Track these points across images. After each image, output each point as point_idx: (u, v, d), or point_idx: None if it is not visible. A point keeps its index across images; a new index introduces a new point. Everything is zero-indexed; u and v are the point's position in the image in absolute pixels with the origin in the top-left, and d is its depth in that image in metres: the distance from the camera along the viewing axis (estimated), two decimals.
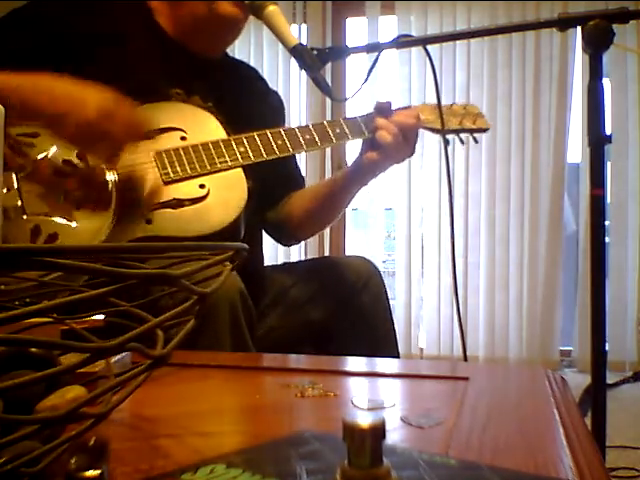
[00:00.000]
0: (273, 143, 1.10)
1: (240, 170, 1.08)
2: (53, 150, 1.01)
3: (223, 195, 1.05)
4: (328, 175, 3.39)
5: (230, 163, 1.06)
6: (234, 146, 1.08)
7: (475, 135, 1.26)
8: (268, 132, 1.11)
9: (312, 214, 1.31)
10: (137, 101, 1.09)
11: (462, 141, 1.25)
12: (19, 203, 0.94)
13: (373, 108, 1.19)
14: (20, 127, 1.00)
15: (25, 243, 0.92)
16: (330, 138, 1.14)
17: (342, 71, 3.48)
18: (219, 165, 1.05)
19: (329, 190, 1.29)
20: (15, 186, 0.95)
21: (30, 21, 1.10)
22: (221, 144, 1.07)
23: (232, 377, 0.72)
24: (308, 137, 1.13)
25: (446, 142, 1.19)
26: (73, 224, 0.96)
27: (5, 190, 0.93)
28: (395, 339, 1.25)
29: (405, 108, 1.23)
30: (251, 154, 1.08)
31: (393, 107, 1.19)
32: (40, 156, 0.99)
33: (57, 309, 0.31)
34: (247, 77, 1.37)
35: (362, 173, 1.20)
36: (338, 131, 1.15)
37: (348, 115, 1.20)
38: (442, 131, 1.20)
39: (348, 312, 1.20)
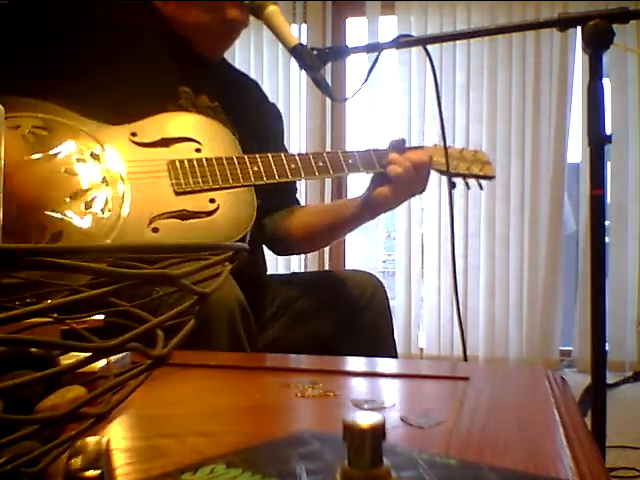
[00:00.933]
0: (286, 166, 1.10)
1: (251, 189, 1.08)
2: (66, 146, 1.00)
3: (232, 212, 1.04)
4: (328, 191, 3.40)
5: (242, 181, 1.06)
6: (248, 165, 1.07)
7: (481, 181, 1.29)
8: (282, 155, 1.11)
9: (313, 236, 1.32)
10: (147, 98, 1.09)
11: (468, 186, 1.27)
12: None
13: (387, 145, 1.20)
14: (35, 119, 0.99)
15: (29, 240, 0.91)
16: (342, 168, 1.15)
17: (342, 71, 3.47)
18: (231, 182, 1.05)
19: (335, 218, 1.29)
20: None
21: (33, 18, 1.10)
22: (235, 161, 1.07)
23: (232, 377, 0.72)
24: (321, 164, 1.13)
25: (452, 185, 1.21)
26: (79, 224, 0.96)
27: None
28: (395, 352, 1.26)
29: (417, 148, 1.24)
30: (264, 175, 1.08)
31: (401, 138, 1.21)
32: (52, 152, 0.99)
33: (57, 309, 0.31)
34: (248, 85, 1.38)
35: (372, 207, 1.20)
36: (351, 162, 1.16)
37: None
38: (447, 173, 1.21)
39: (351, 327, 1.20)
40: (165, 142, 1.06)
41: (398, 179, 1.14)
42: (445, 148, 1.19)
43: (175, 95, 1.14)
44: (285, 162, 1.10)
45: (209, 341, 0.88)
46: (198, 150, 1.08)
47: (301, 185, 3.29)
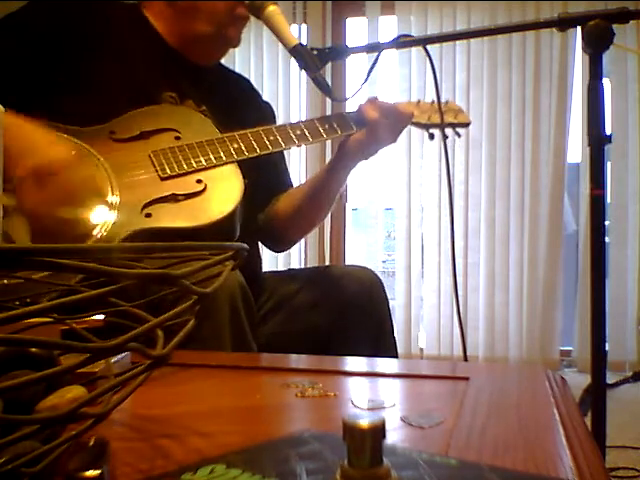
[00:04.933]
0: (265, 139, 1.12)
1: (235, 165, 1.09)
2: None
3: (220, 189, 1.06)
4: None
5: (225, 159, 1.08)
6: (228, 143, 1.10)
7: (457, 130, 1.31)
8: (260, 129, 1.13)
9: (300, 209, 1.30)
10: (130, 102, 1.10)
11: (445, 135, 1.27)
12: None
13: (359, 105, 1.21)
14: None
15: (25, 240, 0.92)
16: (320, 133, 1.16)
17: (342, 71, 3.47)
18: (214, 161, 1.07)
19: (316, 180, 1.29)
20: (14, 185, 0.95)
21: (23, 26, 1.11)
22: (215, 142, 1.09)
23: (232, 377, 0.72)
24: (299, 133, 1.15)
25: (431, 137, 1.25)
26: (73, 220, 0.96)
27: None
28: (395, 348, 1.26)
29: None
30: (245, 150, 1.10)
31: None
32: None
33: (57, 309, 0.31)
34: (240, 87, 1.39)
35: (347, 155, 1.21)
36: (327, 127, 1.17)
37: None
38: (441, 125, 1.23)
39: (350, 322, 1.20)
40: (144, 135, 1.08)
41: (372, 122, 1.15)
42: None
43: (159, 100, 1.16)
44: (264, 136, 1.12)
45: (211, 324, 0.89)
46: (178, 138, 1.09)
47: (300, 160, 3.30)
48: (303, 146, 1.20)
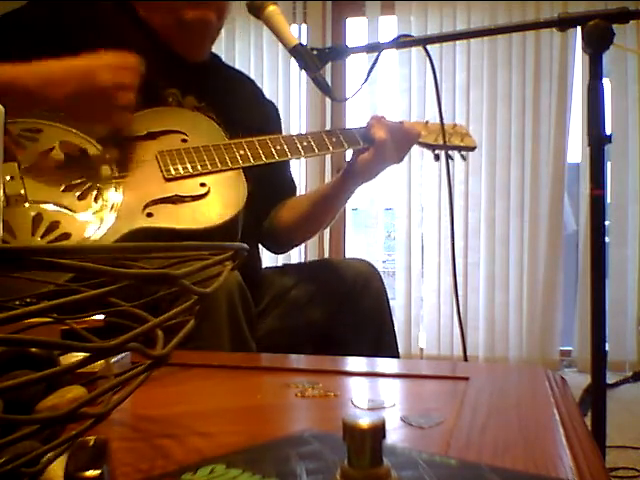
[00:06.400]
0: (272, 148, 1.12)
1: (240, 172, 1.10)
2: (56, 144, 1.02)
3: (223, 193, 1.06)
4: (328, 180, 3.40)
5: (230, 164, 1.08)
6: (234, 149, 1.10)
7: (462, 153, 1.33)
8: (267, 138, 1.14)
9: (303, 218, 1.32)
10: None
11: (451, 157, 1.29)
12: (22, 192, 0.95)
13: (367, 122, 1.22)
14: (24, 123, 1.01)
15: (26, 231, 0.92)
16: (327, 146, 1.17)
17: (342, 71, 3.47)
18: (219, 165, 1.07)
19: (321, 194, 1.30)
20: (18, 175, 0.96)
21: (21, 26, 1.11)
22: (222, 147, 1.10)
23: (232, 377, 0.72)
24: (305, 144, 1.16)
25: (436, 158, 1.27)
26: (75, 214, 0.97)
27: (8, 178, 0.94)
28: (395, 340, 1.26)
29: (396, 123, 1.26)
30: (250, 157, 1.10)
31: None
32: (44, 150, 1.00)
33: (57, 309, 0.31)
34: (243, 85, 1.39)
35: (353, 175, 1.22)
36: (334, 140, 1.18)
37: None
38: (444, 146, 1.24)
39: (348, 313, 1.20)
40: (151, 135, 1.09)
41: (380, 142, 1.16)
42: (442, 125, 1.22)
43: (161, 97, 1.16)
44: (270, 144, 1.13)
45: (209, 323, 0.89)
46: (184, 140, 1.10)
47: (300, 172, 3.30)
48: (303, 159, 1.21)
